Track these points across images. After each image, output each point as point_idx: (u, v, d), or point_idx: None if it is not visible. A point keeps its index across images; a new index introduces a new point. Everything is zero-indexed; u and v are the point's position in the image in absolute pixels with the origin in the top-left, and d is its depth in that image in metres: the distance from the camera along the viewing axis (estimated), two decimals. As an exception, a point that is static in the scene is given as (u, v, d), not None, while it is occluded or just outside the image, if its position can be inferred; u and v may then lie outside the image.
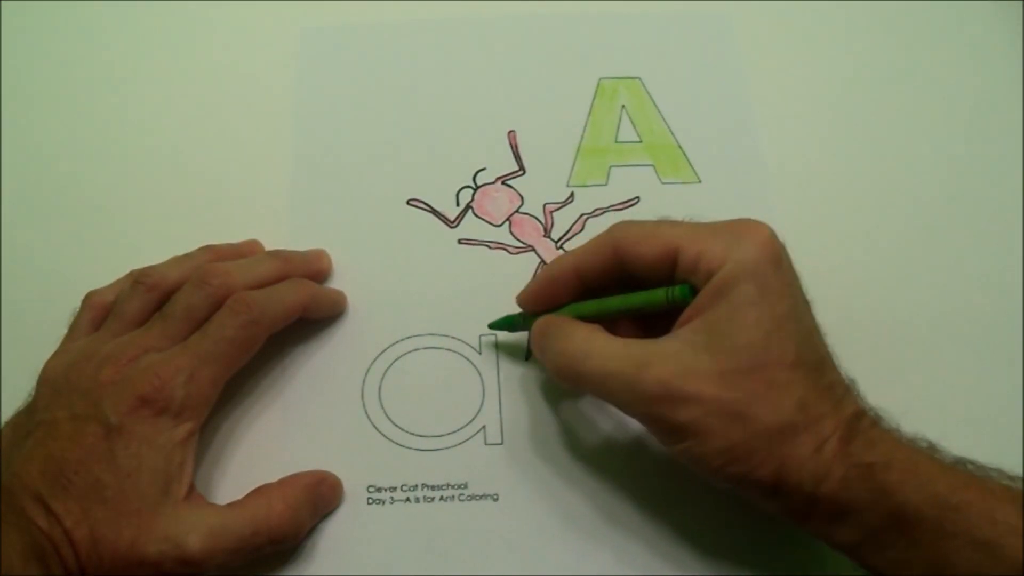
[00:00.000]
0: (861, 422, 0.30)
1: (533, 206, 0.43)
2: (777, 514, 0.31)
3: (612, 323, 0.34)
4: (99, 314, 0.37)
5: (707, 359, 0.29)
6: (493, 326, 0.38)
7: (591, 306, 0.35)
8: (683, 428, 0.30)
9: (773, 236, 0.31)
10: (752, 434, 0.29)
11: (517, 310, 0.37)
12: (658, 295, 0.32)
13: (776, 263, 0.31)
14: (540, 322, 0.35)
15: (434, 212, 0.42)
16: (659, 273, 0.32)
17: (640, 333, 0.35)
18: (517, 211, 0.42)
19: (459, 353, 0.39)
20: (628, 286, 0.34)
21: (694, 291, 0.31)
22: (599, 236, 0.34)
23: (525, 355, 0.39)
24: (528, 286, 0.37)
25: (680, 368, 0.30)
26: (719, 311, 0.30)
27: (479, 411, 0.38)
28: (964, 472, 0.29)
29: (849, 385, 0.32)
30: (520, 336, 0.39)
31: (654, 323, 0.34)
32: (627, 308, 0.34)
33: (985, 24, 0.47)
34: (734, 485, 0.30)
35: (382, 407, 0.38)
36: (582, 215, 0.42)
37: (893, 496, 0.28)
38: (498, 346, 0.39)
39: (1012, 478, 0.29)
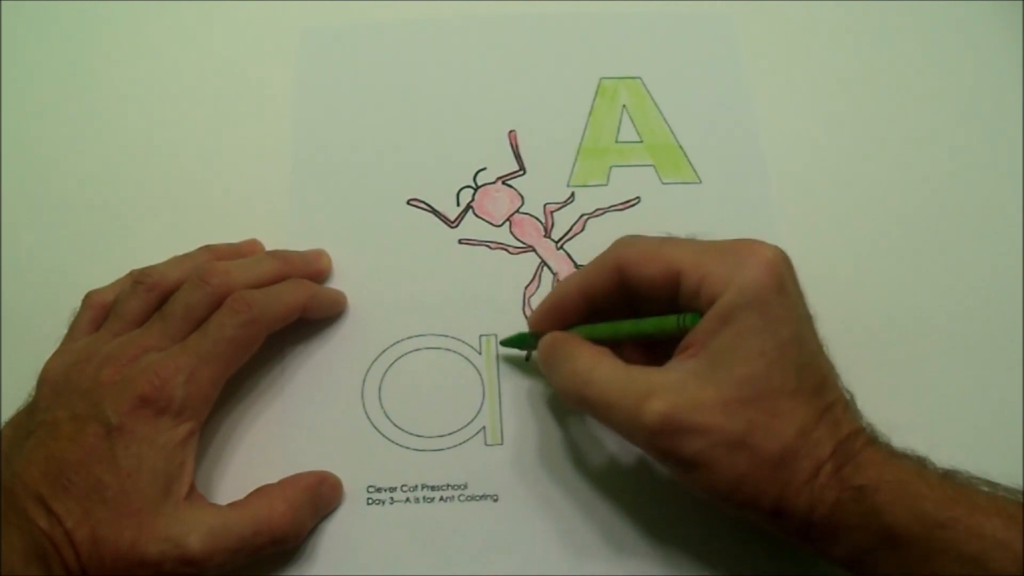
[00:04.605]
0: (855, 443, 0.30)
1: (533, 206, 0.43)
2: (776, 534, 0.31)
3: (617, 344, 0.34)
4: (99, 314, 0.37)
5: (710, 390, 0.30)
6: (505, 343, 0.38)
7: (602, 329, 0.34)
8: (688, 459, 0.30)
9: (777, 257, 0.31)
10: (756, 463, 0.29)
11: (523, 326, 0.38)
12: (669, 322, 0.32)
13: (779, 287, 0.30)
14: (548, 339, 0.35)
15: (434, 212, 0.42)
16: (662, 293, 0.32)
17: (644, 353, 0.35)
18: (517, 211, 0.42)
19: (459, 353, 0.39)
20: (634, 304, 0.34)
21: None
22: (604, 254, 0.34)
23: (526, 356, 0.39)
24: (538, 308, 0.36)
25: (683, 400, 0.30)
26: (722, 340, 0.30)
27: (479, 411, 0.38)
28: (952, 488, 0.29)
29: (848, 401, 0.32)
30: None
31: (656, 347, 0.34)
32: (638, 333, 0.33)
33: (985, 24, 0.47)
34: (739, 511, 0.30)
35: (382, 407, 0.38)
36: (582, 215, 0.42)
37: (883, 517, 0.28)
38: (498, 347, 0.39)
39: (998, 486, 0.30)
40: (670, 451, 0.30)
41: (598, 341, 0.34)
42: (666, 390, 0.30)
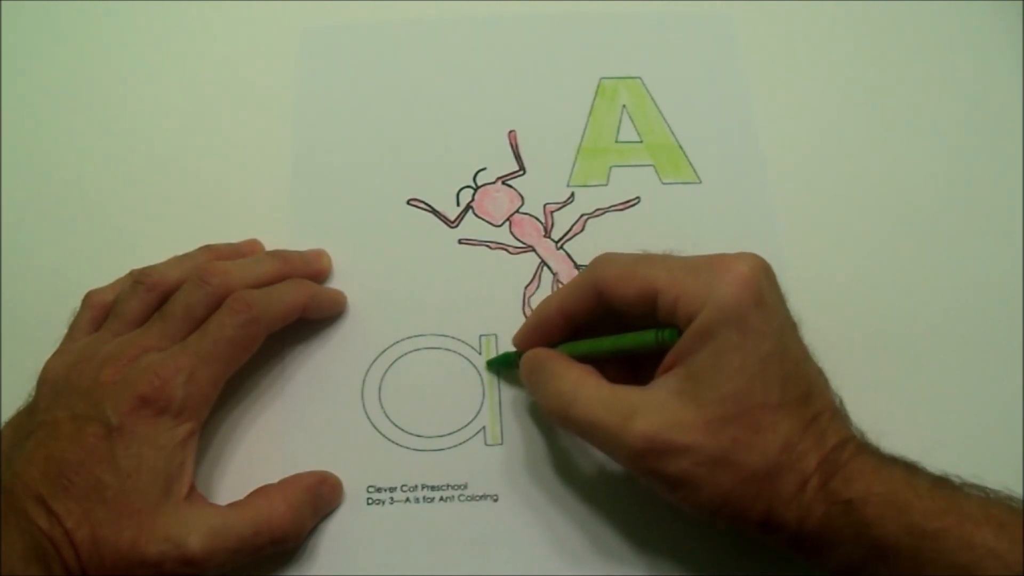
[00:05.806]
0: (842, 454, 0.30)
1: (533, 206, 0.43)
2: (770, 545, 0.31)
3: (600, 362, 0.34)
4: (99, 314, 0.37)
5: (692, 408, 0.30)
6: (491, 364, 0.38)
7: (583, 346, 0.35)
8: (672, 479, 0.30)
9: (753, 271, 0.31)
10: (740, 479, 0.29)
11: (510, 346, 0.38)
12: (648, 337, 0.32)
13: (757, 301, 0.30)
14: (530, 355, 0.35)
15: (434, 212, 0.42)
16: (641, 311, 0.32)
17: (628, 371, 0.35)
18: (517, 211, 0.42)
19: (459, 353, 0.39)
20: (616, 322, 0.34)
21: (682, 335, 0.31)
22: (581, 274, 0.34)
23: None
24: (521, 328, 0.37)
25: (666, 420, 0.30)
26: (702, 358, 0.30)
27: (479, 411, 0.38)
28: (942, 497, 0.29)
29: (836, 409, 0.31)
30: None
31: (640, 361, 0.34)
32: (618, 349, 0.34)
33: (985, 24, 0.47)
34: (728, 525, 0.31)
35: (382, 407, 0.38)
36: (582, 215, 0.42)
37: (872, 529, 0.28)
38: (498, 347, 0.39)
39: (990, 492, 0.29)
40: (654, 471, 0.30)
41: (580, 358, 0.34)
42: (648, 410, 0.30)
